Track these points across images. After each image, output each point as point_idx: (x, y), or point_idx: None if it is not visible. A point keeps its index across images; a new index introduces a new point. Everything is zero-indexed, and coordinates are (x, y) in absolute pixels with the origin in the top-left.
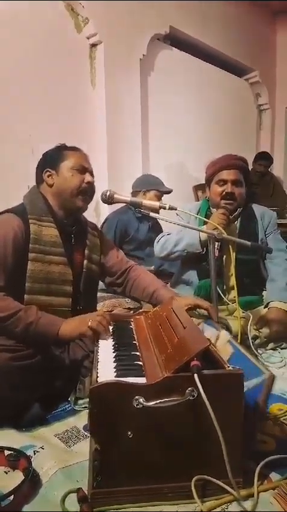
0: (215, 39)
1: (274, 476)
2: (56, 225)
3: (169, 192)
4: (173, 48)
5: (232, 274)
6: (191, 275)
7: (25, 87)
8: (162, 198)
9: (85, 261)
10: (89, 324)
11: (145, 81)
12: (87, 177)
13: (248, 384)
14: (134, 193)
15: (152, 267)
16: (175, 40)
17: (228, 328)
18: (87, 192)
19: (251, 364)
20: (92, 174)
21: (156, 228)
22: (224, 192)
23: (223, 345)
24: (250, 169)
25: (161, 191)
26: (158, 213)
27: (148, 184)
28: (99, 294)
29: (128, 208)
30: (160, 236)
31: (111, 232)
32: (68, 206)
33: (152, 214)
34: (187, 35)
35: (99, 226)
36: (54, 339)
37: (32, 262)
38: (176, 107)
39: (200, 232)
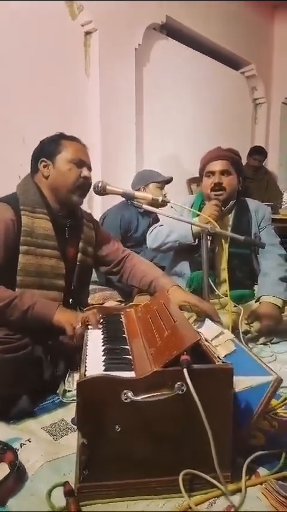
0: (211, 31)
1: (263, 471)
2: (49, 218)
3: (168, 180)
4: (169, 38)
5: (224, 268)
6: (184, 267)
7: (17, 76)
8: (164, 188)
9: (79, 254)
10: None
11: (139, 71)
12: (85, 172)
13: (251, 382)
14: None
15: None
16: (171, 30)
17: (219, 322)
18: (83, 187)
19: (257, 364)
20: (89, 168)
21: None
22: (212, 184)
23: (225, 341)
24: (244, 163)
25: (160, 181)
26: (152, 205)
27: (144, 179)
28: (90, 286)
29: (128, 204)
30: (152, 228)
31: (116, 230)
32: (63, 201)
33: (145, 206)
34: (183, 25)
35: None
36: (49, 323)
37: (24, 255)
38: (171, 98)
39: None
